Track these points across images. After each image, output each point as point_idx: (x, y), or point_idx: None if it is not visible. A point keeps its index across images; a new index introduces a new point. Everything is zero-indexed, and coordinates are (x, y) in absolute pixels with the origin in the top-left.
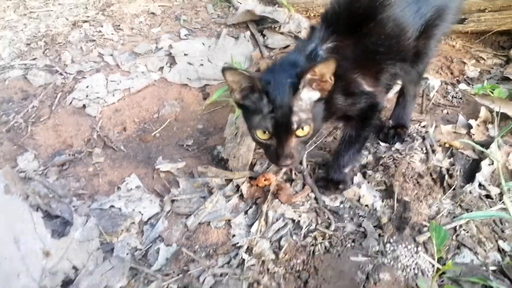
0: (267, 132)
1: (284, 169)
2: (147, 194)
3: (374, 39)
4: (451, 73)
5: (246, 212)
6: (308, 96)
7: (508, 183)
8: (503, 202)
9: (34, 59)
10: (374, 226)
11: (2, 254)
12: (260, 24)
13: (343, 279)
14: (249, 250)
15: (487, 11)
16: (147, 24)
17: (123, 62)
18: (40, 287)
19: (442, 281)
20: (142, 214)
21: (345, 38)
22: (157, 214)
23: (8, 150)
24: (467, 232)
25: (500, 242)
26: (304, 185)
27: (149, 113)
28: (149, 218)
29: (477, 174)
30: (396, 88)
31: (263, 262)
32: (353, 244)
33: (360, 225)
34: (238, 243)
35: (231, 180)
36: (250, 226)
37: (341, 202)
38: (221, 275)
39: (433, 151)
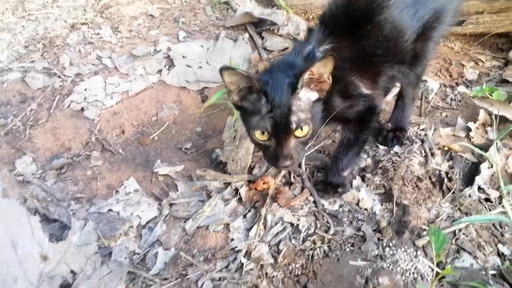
0: (265, 132)
1: (282, 172)
2: (146, 197)
3: (371, 41)
4: (450, 76)
5: (244, 216)
6: (306, 96)
7: (507, 187)
8: (502, 205)
9: (33, 61)
10: (373, 230)
11: None
12: (259, 26)
13: (342, 283)
14: (247, 254)
15: (485, 13)
16: (146, 27)
17: (121, 64)
18: None
19: (442, 285)
20: (140, 218)
21: (342, 40)
22: (156, 218)
23: (6, 153)
24: (467, 236)
25: (500, 246)
26: (303, 188)
27: (148, 116)
28: (148, 222)
29: (476, 177)
30: (395, 90)
31: (262, 266)
32: (352, 248)
33: (359, 229)
34: (236, 247)
35: (229, 183)
36: (249, 230)
37: (340, 206)
38: (219, 279)
39: (432, 154)
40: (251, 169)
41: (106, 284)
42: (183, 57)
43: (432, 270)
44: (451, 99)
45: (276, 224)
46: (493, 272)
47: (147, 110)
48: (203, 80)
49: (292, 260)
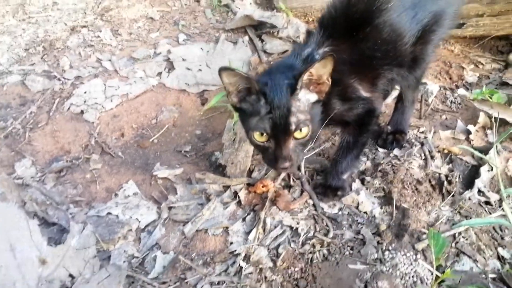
0: (264, 133)
1: (282, 176)
2: (145, 201)
3: (370, 44)
4: (450, 78)
5: (244, 219)
6: (306, 97)
7: (507, 190)
8: (502, 208)
9: (33, 64)
10: (373, 234)
11: None
12: (259, 29)
13: (341, 287)
14: (246, 258)
15: (485, 16)
16: (146, 29)
17: (121, 67)
18: None
19: None
20: (139, 221)
21: (341, 43)
22: (155, 221)
23: (6, 156)
24: (467, 239)
25: (500, 250)
26: (302, 191)
27: (147, 119)
28: (146, 225)
29: (476, 180)
30: (395, 93)
31: (261, 270)
32: (351, 251)
33: (358, 232)
34: (235, 250)
35: (229, 186)
36: (248, 233)
37: (340, 209)
38: (218, 283)
39: (432, 157)
40: (250, 172)
41: None
42: (183, 60)
43: (432, 273)
44: (451, 102)
45: (275, 227)
46: (493, 275)
47: (147, 113)
48: (203, 83)
49: (291, 263)
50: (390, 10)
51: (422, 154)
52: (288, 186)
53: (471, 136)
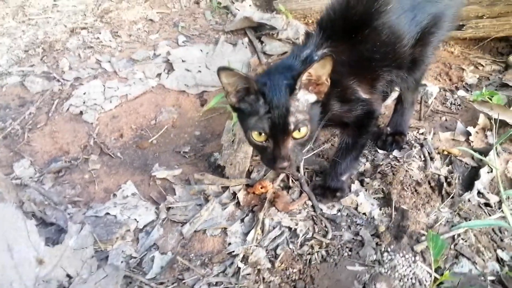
0: (263, 133)
1: (281, 177)
2: (143, 201)
3: (369, 45)
4: (450, 80)
5: (242, 220)
6: (305, 98)
7: (507, 191)
8: (502, 210)
9: (32, 65)
10: (372, 235)
11: None
12: (258, 30)
13: None
14: (244, 259)
15: (485, 17)
16: (145, 31)
17: (120, 68)
18: None
19: None
20: (137, 222)
21: (340, 44)
22: (153, 221)
23: (5, 156)
24: (466, 241)
25: (499, 252)
26: (301, 192)
27: (146, 120)
28: (145, 226)
29: (476, 182)
30: (394, 95)
31: (259, 271)
32: (350, 253)
33: (357, 234)
34: (233, 251)
35: (227, 187)
36: (246, 234)
37: (339, 210)
38: (216, 284)
39: (431, 159)
40: (249, 173)
41: None
42: (183, 61)
43: (431, 275)
44: (450, 103)
45: (273, 228)
46: (492, 278)
47: (146, 114)
48: (202, 84)
49: (289, 265)
50: (389, 12)
51: (422, 156)
52: (287, 187)
53: (471, 138)
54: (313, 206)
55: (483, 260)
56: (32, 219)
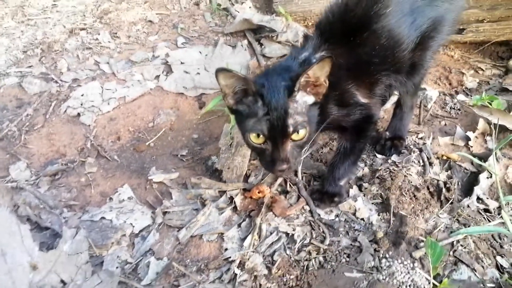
0: (261, 135)
1: (278, 181)
2: (139, 205)
3: (368, 49)
4: (450, 84)
5: (239, 225)
6: (303, 99)
7: (506, 197)
8: (501, 216)
9: (30, 66)
10: (370, 241)
11: None
12: (258, 33)
13: None
14: (241, 265)
15: (485, 21)
16: (144, 32)
17: (119, 70)
18: None
19: None
20: (133, 226)
21: (338, 47)
22: (149, 226)
23: (1, 159)
24: (465, 247)
25: (499, 258)
26: (299, 197)
27: (144, 122)
28: (141, 231)
29: (475, 188)
30: (393, 99)
31: (256, 277)
32: (348, 259)
33: (355, 240)
34: (230, 257)
35: (224, 192)
36: (243, 239)
37: (337, 216)
38: None
39: (430, 164)
40: (247, 177)
41: None
42: (181, 63)
43: (429, 282)
44: (450, 108)
45: (271, 233)
46: (491, 285)
47: (144, 116)
48: (201, 86)
49: (286, 271)
50: (388, 15)
51: (421, 161)
52: (285, 192)
53: (470, 143)
54: (310, 211)
55: (483, 267)
56: (27, 223)
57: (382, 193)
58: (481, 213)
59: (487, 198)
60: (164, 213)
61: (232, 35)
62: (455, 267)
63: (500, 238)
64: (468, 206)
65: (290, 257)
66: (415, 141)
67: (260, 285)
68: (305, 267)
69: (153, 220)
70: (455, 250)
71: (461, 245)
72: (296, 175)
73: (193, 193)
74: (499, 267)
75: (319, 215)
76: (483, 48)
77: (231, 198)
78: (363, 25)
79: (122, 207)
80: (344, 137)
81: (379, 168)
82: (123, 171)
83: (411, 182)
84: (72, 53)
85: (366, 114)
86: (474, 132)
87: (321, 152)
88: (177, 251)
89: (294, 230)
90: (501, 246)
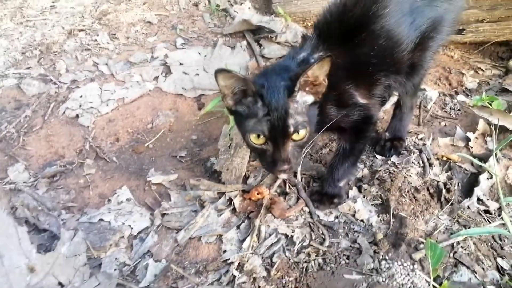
0: (262, 136)
1: (277, 182)
2: (138, 207)
3: (366, 49)
4: (449, 84)
5: (238, 227)
6: (303, 99)
7: (507, 198)
8: (502, 217)
9: (29, 68)
10: (369, 242)
11: None
12: (257, 33)
13: None
14: (240, 267)
15: (485, 21)
16: (143, 33)
17: (118, 71)
18: None
19: None
20: (132, 228)
21: (336, 48)
22: (147, 228)
23: None
24: (465, 249)
25: (499, 260)
26: (298, 199)
27: (143, 123)
28: (139, 232)
29: (475, 189)
30: (393, 99)
31: (254, 279)
32: (347, 261)
33: (355, 241)
34: (229, 259)
35: (223, 193)
36: (242, 241)
37: (336, 217)
38: None
39: (430, 165)
40: (246, 178)
41: None
42: (180, 64)
43: (429, 284)
44: (450, 108)
45: (270, 235)
46: (492, 287)
47: (143, 118)
48: (200, 87)
49: (285, 273)
50: (387, 15)
51: (421, 162)
52: (284, 193)
53: (470, 143)
54: (310, 213)
55: (483, 269)
56: (25, 225)
57: (382, 194)
58: (481, 214)
59: (488, 199)
60: (163, 214)
61: (231, 36)
62: (455, 269)
63: (500, 240)
64: (468, 207)
65: (289, 259)
66: (415, 142)
67: (259, 287)
68: (304, 269)
69: (152, 222)
70: (455, 252)
71: (461, 247)
72: (295, 176)
73: (191, 194)
74: (499, 269)
75: (318, 216)
76: (483, 48)
77: (230, 200)
78: (362, 25)
79: (121, 209)
80: (343, 138)
81: (379, 169)
82: (121, 173)
83: (411, 183)
84: (71, 55)
85: (365, 115)
86: (474, 132)
87: (321, 153)
88: (176, 253)
89: (293, 231)
90: (502, 248)
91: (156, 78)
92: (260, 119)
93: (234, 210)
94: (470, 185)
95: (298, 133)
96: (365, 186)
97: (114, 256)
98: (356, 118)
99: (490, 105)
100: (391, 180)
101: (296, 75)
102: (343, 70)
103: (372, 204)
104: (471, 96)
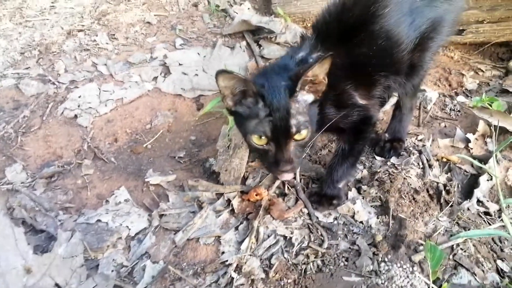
0: (264, 137)
1: (276, 183)
2: (136, 208)
3: (365, 50)
4: (449, 85)
5: (236, 228)
6: (303, 99)
7: (507, 200)
8: (502, 219)
9: (27, 68)
10: (369, 244)
11: None
12: (256, 34)
13: None
14: (238, 269)
15: (485, 22)
16: (143, 34)
17: (117, 71)
18: None
19: None
20: (129, 229)
21: (335, 48)
22: (145, 229)
23: None
24: (465, 251)
25: (499, 262)
26: (297, 200)
27: (142, 124)
28: (137, 233)
29: (475, 190)
30: (393, 100)
31: (253, 281)
32: (346, 263)
33: (354, 243)
34: (227, 260)
35: (222, 194)
36: (240, 242)
37: (335, 218)
38: None
39: (430, 166)
40: (244, 179)
41: None
42: (180, 64)
43: (429, 287)
44: (450, 109)
45: (268, 237)
46: None
47: (141, 118)
48: (199, 88)
49: (284, 275)
50: (386, 16)
51: (420, 163)
52: (283, 195)
53: (470, 145)
54: (309, 214)
55: (483, 271)
56: (21, 226)
57: (381, 196)
58: (481, 216)
59: (488, 201)
60: (161, 215)
61: (231, 37)
62: (455, 271)
63: (500, 242)
64: (468, 209)
65: (288, 261)
66: (414, 143)
67: None
68: (303, 271)
69: (150, 223)
70: (455, 254)
71: (461, 249)
72: (294, 177)
73: (190, 195)
74: (499, 271)
75: (317, 218)
76: (483, 49)
77: (229, 201)
78: (361, 25)
79: (119, 210)
80: (343, 139)
81: (378, 171)
82: (120, 173)
83: (410, 184)
84: (70, 55)
85: (364, 116)
86: (474, 134)
87: (320, 154)
88: (174, 254)
89: (292, 233)
90: (502, 250)
91: (155, 78)
92: (262, 120)
93: (232, 211)
94: (470, 186)
95: (300, 133)
96: (364, 187)
97: (112, 257)
98: (355, 118)
99: (490, 106)
100: (391, 181)
101: (296, 74)
102: (342, 70)
103: (371, 206)
104: (471, 97)
